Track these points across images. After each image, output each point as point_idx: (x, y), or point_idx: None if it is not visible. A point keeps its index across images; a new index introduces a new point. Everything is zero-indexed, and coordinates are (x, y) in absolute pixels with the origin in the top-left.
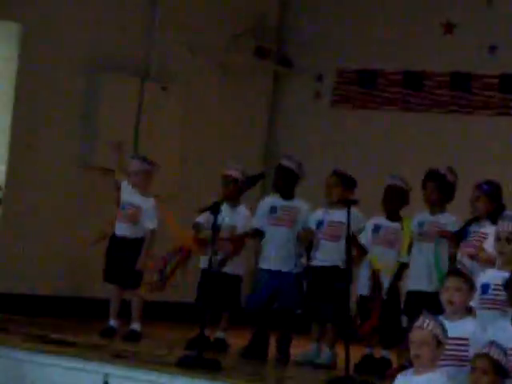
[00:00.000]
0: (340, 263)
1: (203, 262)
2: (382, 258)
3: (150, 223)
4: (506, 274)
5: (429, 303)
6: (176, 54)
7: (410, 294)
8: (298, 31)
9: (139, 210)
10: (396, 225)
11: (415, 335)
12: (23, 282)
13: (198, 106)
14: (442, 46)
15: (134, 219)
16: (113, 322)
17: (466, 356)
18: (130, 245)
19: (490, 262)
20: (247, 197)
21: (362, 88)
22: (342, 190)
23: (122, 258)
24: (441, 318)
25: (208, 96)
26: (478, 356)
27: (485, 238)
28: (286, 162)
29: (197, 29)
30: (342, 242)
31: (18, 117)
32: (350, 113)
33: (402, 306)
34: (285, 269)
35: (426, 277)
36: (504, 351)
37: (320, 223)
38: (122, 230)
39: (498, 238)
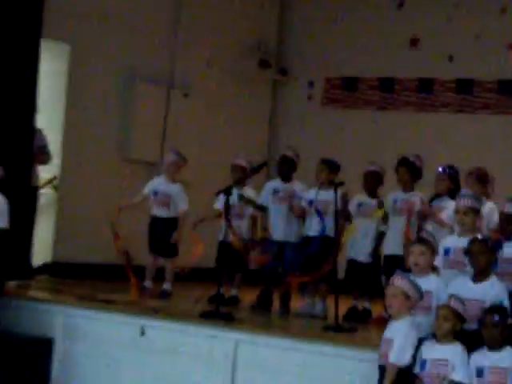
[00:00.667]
0: (331, 234)
1: (220, 235)
2: (364, 227)
3: (182, 204)
4: (465, 240)
5: (402, 265)
6: (195, 67)
7: (387, 257)
8: (293, 46)
9: (169, 196)
10: (374, 201)
11: (388, 290)
12: (79, 252)
13: (213, 109)
14: (410, 56)
15: (166, 203)
16: (147, 283)
17: (430, 307)
18: (165, 223)
19: (440, 224)
20: (252, 181)
21: (346, 92)
22: (328, 174)
23: (160, 233)
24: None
25: (221, 100)
26: (441, 306)
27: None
28: (287, 153)
29: (212, 46)
30: (330, 216)
31: (68, 120)
32: (336, 112)
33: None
34: (286, 239)
35: (400, 243)
36: (462, 302)
37: (311, 201)
38: (158, 212)
39: (457, 211)
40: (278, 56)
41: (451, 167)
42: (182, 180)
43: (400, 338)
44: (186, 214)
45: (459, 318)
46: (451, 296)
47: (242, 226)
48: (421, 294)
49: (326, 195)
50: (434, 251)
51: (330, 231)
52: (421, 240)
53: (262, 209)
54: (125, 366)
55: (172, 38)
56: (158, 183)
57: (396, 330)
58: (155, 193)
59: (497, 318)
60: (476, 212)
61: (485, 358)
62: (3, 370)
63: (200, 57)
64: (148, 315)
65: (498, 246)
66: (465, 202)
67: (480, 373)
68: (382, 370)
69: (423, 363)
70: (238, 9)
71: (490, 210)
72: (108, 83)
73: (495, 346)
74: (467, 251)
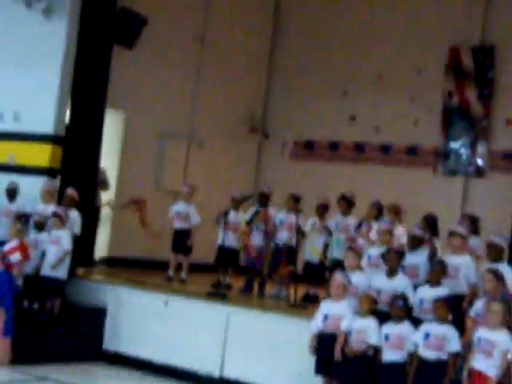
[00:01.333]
0: (293, 244)
1: (220, 240)
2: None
3: (195, 220)
4: (381, 250)
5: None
6: (207, 129)
7: (334, 261)
8: (273, 119)
9: (187, 214)
10: (323, 222)
11: (332, 282)
12: (125, 250)
13: (217, 158)
14: (349, 127)
15: (184, 219)
16: (171, 272)
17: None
18: (184, 232)
19: (370, 242)
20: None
21: (306, 150)
22: (294, 204)
23: (180, 238)
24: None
25: (223, 153)
26: (363, 294)
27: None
28: (264, 190)
29: (219, 116)
30: (293, 232)
31: (122, 162)
32: (300, 164)
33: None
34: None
35: (342, 251)
36: (377, 293)
37: (281, 222)
38: (179, 224)
39: (378, 231)
40: (263, 125)
41: (379, 201)
42: (196, 203)
43: (350, 315)
44: (198, 226)
45: (374, 301)
46: (369, 287)
47: (235, 236)
48: (350, 283)
49: (291, 217)
50: (360, 256)
51: (292, 241)
52: (351, 248)
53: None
54: (154, 327)
55: (191, 108)
56: (178, 206)
57: (343, 309)
58: (177, 213)
59: (401, 301)
60: (390, 233)
61: (390, 328)
62: (73, 330)
63: (210, 123)
64: (170, 293)
65: (403, 255)
66: (384, 226)
67: (387, 337)
68: (325, 336)
69: (350, 332)
70: (236, 92)
71: (401, 232)
72: (149, 137)
73: (398, 320)
74: (385, 257)
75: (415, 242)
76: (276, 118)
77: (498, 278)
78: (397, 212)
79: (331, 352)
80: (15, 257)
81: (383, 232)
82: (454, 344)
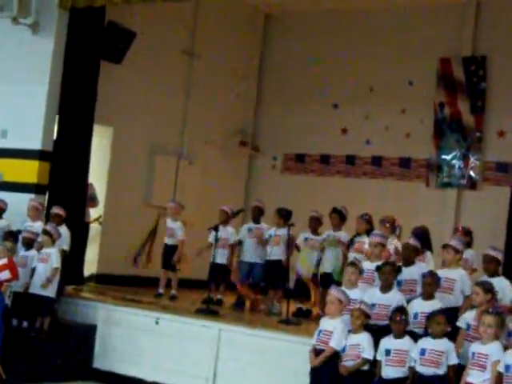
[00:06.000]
0: (282, 258)
1: (212, 258)
2: (308, 255)
3: (181, 236)
4: (374, 264)
5: (332, 280)
6: (197, 144)
7: (324, 274)
8: (263, 133)
9: (174, 230)
10: (317, 238)
11: (327, 298)
12: (115, 267)
13: (208, 173)
14: (340, 140)
15: (172, 235)
16: (161, 290)
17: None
18: (171, 248)
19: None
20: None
21: (297, 163)
22: (281, 219)
23: (168, 254)
24: (342, 288)
25: (214, 167)
26: (355, 309)
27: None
28: (257, 203)
29: (209, 130)
30: (282, 246)
31: (110, 178)
32: (291, 177)
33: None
34: (255, 261)
35: (334, 266)
36: (370, 305)
37: (270, 236)
38: (168, 241)
39: (369, 245)
40: (253, 138)
41: (367, 214)
42: (183, 220)
43: (338, 331)
44: (183, 243)
45: (367, 316)
46: (361, 301)
47: (225, 252)
48: (349, 300)
49: (281, 232)
50: (361, 271)
51: (283, 256)
52: (352, 263)
53: (240, 243)
54: (145, 344)
55: (181, 123)
56: (167, 222)
57: (334, 325)
58: (166, 228)
59: (402, 316)
60: (382, 246)
61: (392, 343)
62: (62, 348)
63: (200, 137)
64: (160, 310)
65: (399, 269)
66: (375, 239)
67: (388, 353)
68: (319, 352)
69: (344, 347)
70: (226, 106)
71: (396, 245)
72: (137, 154)
73: (400, 335)
74: (379, 271)
75: (409, 253)
76: (266, 131)
77: (486, 290)
78: (391, 224)
79: (326, 369)
80: (4, 275)
81: (375, 245)
82: (452, 357)
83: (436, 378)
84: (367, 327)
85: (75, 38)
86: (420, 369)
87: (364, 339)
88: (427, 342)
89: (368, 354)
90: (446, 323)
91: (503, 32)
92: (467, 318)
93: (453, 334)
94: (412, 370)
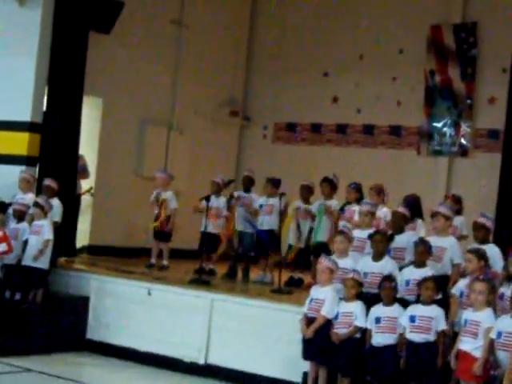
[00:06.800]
0: (275, 228)
1: (202, 227)
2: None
3: (173, 204)
4: (365, 233)
5: (326, 249)
6: (187, 115)
7: (317, 243)
8: (253, 102)
9: (165, 200)
10: (307, 206)
11: (318, 266)
12: (107, 238)
13: (198, 143)
14: (332, 109)
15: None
16: (153, 260)
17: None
18: (164, 218)
19: (356, 225)
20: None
21: (288, 132)
22: (272, 188)
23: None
24: (333, 257)
25: (204, 137)
26: (347, 278)
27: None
28: (247, 173)
29: (199, 101)
30: (274, 216)
31: (101, 149)
32: (282, 147)
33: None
34: (245, 230)
35: (326, 234)
36: (363, 274)
37: (261, 206)
38: (158, 211)
39: (359, 214)
40: (244, 108)
41: (357, 183)
42: (174, 189)
43: (330, 299)
44: (176, 211)
45: (360, 284)
46: (354, 270)
47: (219, 222)
48: (338, 268)
49: (272, 201)
50: (350, 240)
51: (275, 226)
52: (342, 232)
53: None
54: (137, 315)
55: (171, 94)
56: (157, 192)
57: (325, 294)
58: (156, 199)
59: (391, 283)
60: (372, 214)
61: (381, 310)
62: (56, 320)
63: (190, 108)
64: (153, 281)
65: (391, 237)
66: (365, 208)
67: (378, 320)
68: (311, 320)
69: (337, 315)
70: (216, 76)
71: (386, 213)
72: (128, 125)
73: (389, 302)
74: (371, 239)
75: (398, 220)
76: (257, 100)
77: (480, 257)
78: (379, 192)
79: (318, 337)
80: (1, 247)
81: (365, 214)
82: (441, 323)
83: (426, 345)
84: (360, 295)
85: (63, 8)
86: (410, 336)
87: (357, 307)
88: (417, 309)
89: (361, 321)
90: (435, 289)
91: None
92: (461, 285)
93: (444, 302)
94: (402, 336)
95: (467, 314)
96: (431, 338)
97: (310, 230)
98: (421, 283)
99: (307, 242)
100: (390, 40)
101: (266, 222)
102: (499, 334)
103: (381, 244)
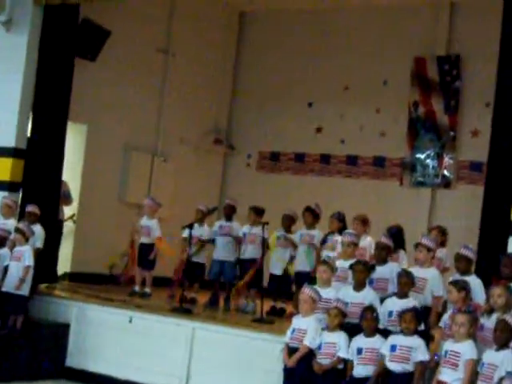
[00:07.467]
0: (257, 256)
1: (188, 256)
2: (281, 253)
3: (157, 233)
4: (347, 263)
5: (309, 278)
6: (172, 142)
7: (297, 273)
8: (238, 131)
9: (149, 228)
10: (289, 236)
11: (300, 296)
12: (88, 265)
13: (182, 171)
14: (315, 139)
15: (147, 234)
16: (136, 288)
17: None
18: (147, 246)
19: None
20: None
21: (272, 162)
22: (255, 217)
23: (144, 253)
24: (316, 286)
25: (188, 165)
26: (332, 308)
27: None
28: (228, 201)
29: (183, 128)
30: (257, 245)
31: (84, 175)
32: (265, 175)
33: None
34: (226, 259)
35: (304, 263)
36: (345, 303)
37: (245, 234)
38: (144, 239)
39: (342, 244)
40: (228, 136)
41: (340, 213)
42: (159, 217)
43: (312, 329)
44: (160, 240)
45: (343, 315)
46: (337, 300)
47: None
48: (320, 298)
49: (255, 230)
50: (332, 269)
51: (258, 255)
52: (325, 262)
53: (212, 241)
54: (118, 343)
55: (156, 121)
56: (143, 221)
57: (307, 323)
58: (141, 227)
59: (372, 314)
60: (355, 245)
61: (363, 341)
62: (36, 346)
63: (175, 135)
64: (134, 308)
65: (372, 267)
66: (347, 239)
67: (360, 351)
68: (292, 350)
69: (320, 345)
70: (201, 104)
71: (370, 242)
72: (111, 151)
73: (370, 333)
74: (352, 269)
75: (381, 251)
76: (241, 129)
77: (460, 289)
78: (364, 222)
79: (300, 367)
80: None
81: (347, 244)
82: (421, 353)
83: (405, 375)
84: (341, 325)
85: (49, 35)
86: (390, 365)
87: (340, 338)
88: (397, 338)
89: (344, 353)
90: (416, 321)
91: (477, 31)
92: (445, 318)
93: (426, 334)
94: (381, 364)
95: (448, 345)
96: (410, 368)
97: (291, 259)
98: (401, 314)
99: (286, 270)
100: (374, 71)
101: (249, 251)
102: (482, 366)
103: (362, 274)
